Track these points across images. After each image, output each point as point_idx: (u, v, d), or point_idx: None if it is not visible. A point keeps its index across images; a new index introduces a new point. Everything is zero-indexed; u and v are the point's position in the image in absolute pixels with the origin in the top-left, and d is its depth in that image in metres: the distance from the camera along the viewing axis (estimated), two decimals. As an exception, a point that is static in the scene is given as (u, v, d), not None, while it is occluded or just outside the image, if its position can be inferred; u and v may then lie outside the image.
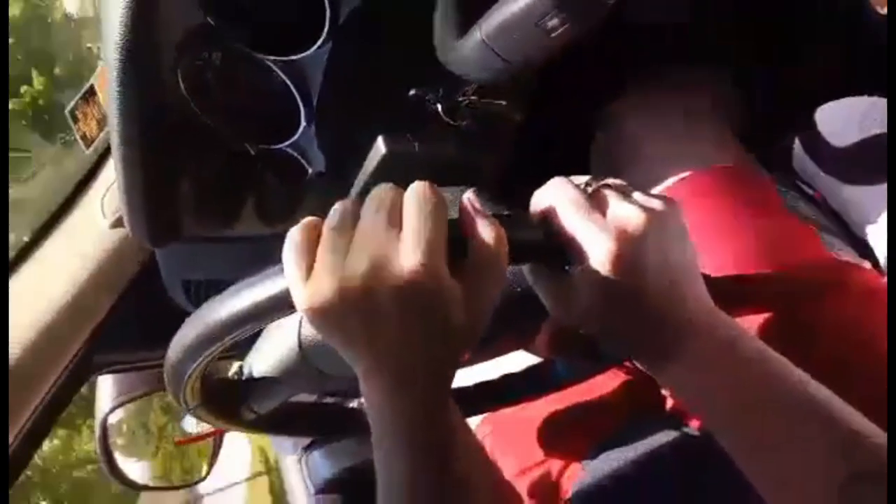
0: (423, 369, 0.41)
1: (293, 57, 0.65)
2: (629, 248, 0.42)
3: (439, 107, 0.60)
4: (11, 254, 0.79)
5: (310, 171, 0.73)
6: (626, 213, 0.43)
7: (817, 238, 0.71)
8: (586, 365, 0.67)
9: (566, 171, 0.47)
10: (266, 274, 0.43)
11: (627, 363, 0.78)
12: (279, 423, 0.65)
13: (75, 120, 0.86)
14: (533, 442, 0.74)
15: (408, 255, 0.38)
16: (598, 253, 0.42)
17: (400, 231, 0.39)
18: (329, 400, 0.71)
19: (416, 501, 0.43)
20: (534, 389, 0.68)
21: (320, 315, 0.40)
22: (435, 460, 0.43)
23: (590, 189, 0.46)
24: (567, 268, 0.45)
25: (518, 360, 0.68)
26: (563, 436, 0.73)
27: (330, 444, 0.91)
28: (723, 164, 0.76)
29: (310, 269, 0.40)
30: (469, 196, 0.42)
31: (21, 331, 0.73)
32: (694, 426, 0.64)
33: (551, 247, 0.44)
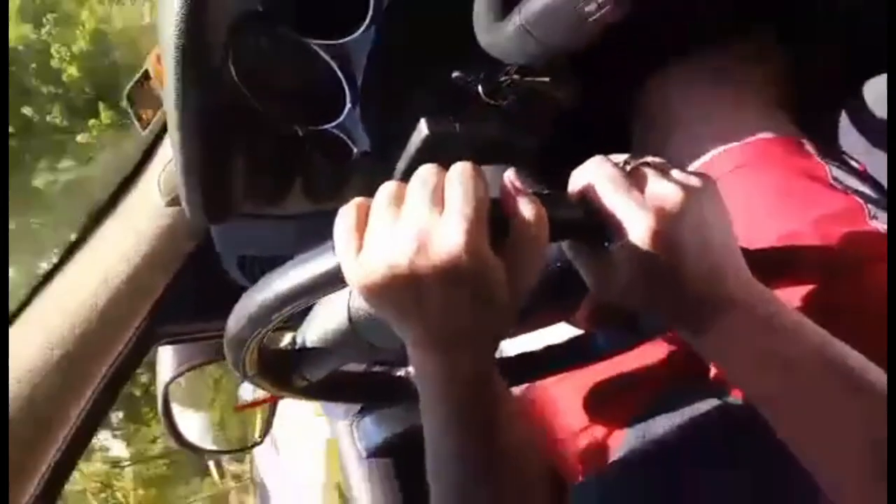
0: (468, 342, 0.43)
1: (339, 41, 0.67)
2: (668, 224, 0.43)
3: (480, 88, 0.61)
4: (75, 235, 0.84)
5: (355, 150, 0.76)
6: (664, 190, 0.44)
7: (862, 211, 0.71)
8: (626, 337, 0.68)
9: (605, 150, 0.49)
10: (319, 251, 0.46)
11: (668, 335, 0.79)
12: (329, 390, 0.68)
13: (132, 103, 0.90)
14: (577, 409, 0.76)
15: (450, 233, 0.40)
16: (638, 230, 0.43)
17: (443, 210, 0.41)
18: (377, 369, 0.75)
19: (464, 467, 0.46)
20: (575, 360, 0.70)
21: (370, 290, 0.42)
22: (481, 428, 0.45)
23: (628, 167, 0.47)
24: (606, 245, 0.46)
25: (560, 332, 0.70)
26: (607, 403, 0.75)
27: (380, 410, 0.95)
28: (767, 136, 0.75)
29: (360, 246, 0.42)
30: (510, 175, 0.44)
31: (82, 306, 0.78)
32: (737, 396, 0.65)
33: (591, 224, 0.45)
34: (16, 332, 0.76)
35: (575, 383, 0.77)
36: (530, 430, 0.52)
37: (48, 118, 8.98)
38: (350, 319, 0.56)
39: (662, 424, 0.66)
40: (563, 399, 0.77)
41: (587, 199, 0.46)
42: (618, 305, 0.55)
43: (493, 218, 0.42)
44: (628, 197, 0.44)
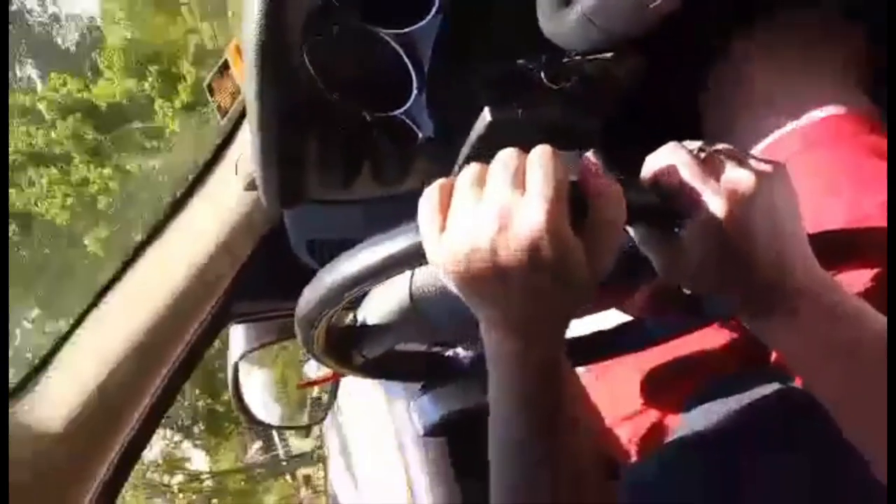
0: (544, 322, 0.45)
1: (406, 29, 0.70)
2: (741, 210, 0.44)
3: (542, 73, 0.62)
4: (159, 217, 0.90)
5: (420, 136, 0.78)
6: (738, 176, 0.45)
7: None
8: (678, 323, 0.69)
9: (668, 133, 0.49)
10: (401, 230, 0.48)
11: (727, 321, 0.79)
12: (384, 368, 0.71)
13: (212, 93, 0.95)
14: (633, 392, 0.77)
15: (531, 214, 0.41)
16: (711, 215, 0.44)
17: (524, 192, 0.42)
18: (433, 349, 0.77)
19: (529, 449, 0.48)
20: (625, 346, 0.71)
21: (451, 268, 0.44)
22: (548, 411, 0.47)
23: (702, 154, 0.47)
24: (677, 230, 0.47)
25: (608, 319, 0.71)
26: (662, 387, 0.76)
27: (437, 389, 0.98)
28: (839, 111, 0.74)
29: (443, 226, 0.44)
30: (590, 157, 0.45)
31: (162, 290, 0.84)
32: (797, 381, 0.65)
33: (664, 209, 0.47)
34: (93, 322, 0.82)
35: (630, 367, 0.77)
36: (592, 411, 0.53)
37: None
38: (411, 297, 0.59)
39: (720, 408, 0.66)
40: (619, 382, 0.78)
41: (661, 184, 0.47)
42: (677, 292, 0.56)
43: (573, 199, 0.43)
44: (703, 183, 0.45)
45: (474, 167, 0.45)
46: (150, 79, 9.23)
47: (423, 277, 0.59)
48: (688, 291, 0.66)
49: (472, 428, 0.88)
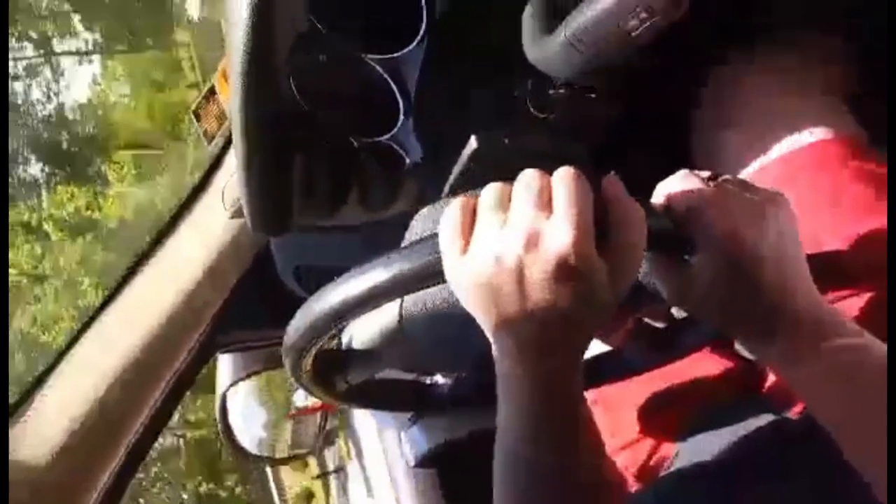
0: (563, 343, 0.45)
1: (393, 55, 0.69)
2: (752, 236, 0.46)
3: (529, 101, 0.62)
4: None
5: (408, 161, 0.78)
6: (748, 206, 0.47)
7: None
8: (654, 356, 0.69)
9: (657, 154, 0.49)
10: (414, 248, 0.47)
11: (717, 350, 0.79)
12: (369, 396, 0.70)
13: (198, 118, 0.95)
14: (630, 419, 0.76)
15: (560, 234, 0.42)
16: (723, 241, 0.46)
17: (550, 213, 0.42)
18: (413, 376, 0.76)
19: (543, 462, 0.46)
20: (603, 375, 0.70)
21: (475, 285, 0.44)
22: (563, 427, 0.46)
23: (712, 183, 0.49)
24: (687, 257, 0.48)
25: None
26: (660, 415, 0.75)
27: (428, 419, 0.96)
28: (827, 137, 0.74)
29: (465, 245, 0.44)
30: (613, 179, 0.45)
31: (149, 317, 0.82)
32: (791, 411, 0.64)
33: (678, 235, 0.47)
34: (88, 340, 0.81)
35: (626, 394, 0.76)
36: (597, 435, 0.51)
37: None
38: (401, 318, 0.58)
39: (716, 439, 0.65)
40: (615, 409, 0.77)
41: (674, 210, 0.48)
42: (654, 325, 0.56)
43: (597, 221, 0.43)
44: (715, 210, 0.46)
45: (496, 187, 0.45)
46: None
47: (413, 300, 0.58)
48: (660, 325, 0.67)
49: (463, 459, 0.87)
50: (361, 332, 0.62)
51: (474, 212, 0.45)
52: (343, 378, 0.64)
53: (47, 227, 8.92)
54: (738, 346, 0.82)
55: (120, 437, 0.80)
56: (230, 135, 0.89)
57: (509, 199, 0.44)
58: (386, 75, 0.73)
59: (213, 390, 0.95)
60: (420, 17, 0.66)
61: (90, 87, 10.53)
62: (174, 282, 0.83)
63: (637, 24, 0.47)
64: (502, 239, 0.43)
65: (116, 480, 0.83)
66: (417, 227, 0.58)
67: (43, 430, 0.76)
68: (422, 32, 0.66)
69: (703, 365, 0.77)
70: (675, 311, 0.71)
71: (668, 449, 0.71)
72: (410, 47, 0.68)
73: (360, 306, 0.48)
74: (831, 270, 0.57)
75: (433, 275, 0.46)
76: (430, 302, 0.57)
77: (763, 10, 0.77)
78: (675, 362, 0.73)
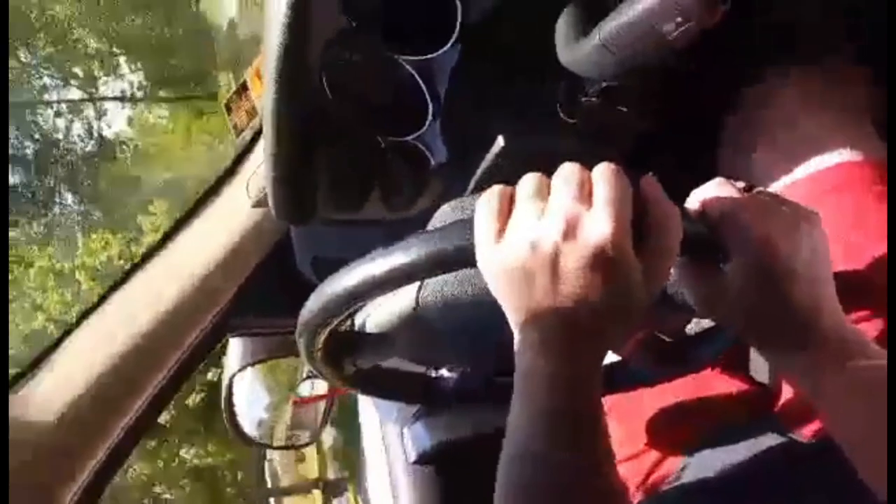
0: (589, 340, 0.44)
1: (426, 56, 0.71)
2: (788, 249, 0.46)
3: (559, 106, 0.63)
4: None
5: (433, 162, 0.79)
6: (786, 217, 0.47)
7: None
8: (661, 370, 0.69)
9: (685, 171, 0.50)
10: (448, 230, 0.47)
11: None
12: (375, 382, 0.70)
13: (229, 111, 0.97)
14: (637, 431, 0.75)
15: (600, 226, 0.42)
16: (759, 253, 0.46)
17: (589, 205, 0.43)
18: (420, 368, 0.76)
19: (554, 457, 0.44)
20: (608, 386, 0.70)
21: (508, 272, 0.44)
22: (579, 424, 0.45)
23: (747, 194, 0.49)
24: (721, 265, 0.48)
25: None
26: (667, 430, 0.74)
27: (432, 416, 0.96)
28: (856, 159, 0.75)
29: (501, 230, 0.44)
30: (651, 180, 0.46)
31: (165, 296, 0.84)
32: (805, 433, 0.64)
33: (713, 241, 0.47)
34: (102, 314, 0.82)
35: (634, 407, 0.76)
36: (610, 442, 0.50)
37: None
38: (417, 305, 0.58)
39: (723, 456, 0.65)
40: (622, 421, 0.77)
41: (709, 216, 0.48)
42: (664, 339, 0.56)
43: (634, 220, 0.43)
44: (752, 220, 0.46)
45: (535, 177, 0.45)
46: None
47: (433, 288, 0.58)
48: (669, 339, 0.67)
49: (464, 458, 0.87)
50: (376, 315, 0.63)
51: (512, 200, 0.45)
52: (353, 361, 0.64)
53: (79, 276, 8.91)
54: (751, 370, 0.83)
55: (122, 411, 0.81)
56: (258, 128, 0.93)
57: (548, 190, 0.44)
58: (417, 76, 0.74)
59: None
60: (454, 19, 0.67)
61: (132, 127, 10.66)
62: (190, 264, 0.84)
63: (672, 28, 0.48)
64: (540, 226, 0.43)
65: (112, 455, 0.83)
66: (439, 221, 0.59)
67: (49, 396, 0.77)
68: (455, 35, 0.68)
69: (715, 385, 0.77)
70: (690, 326, 0.71)
71: (672, 463, 0.70)
72: (443, 49, 0.69)
73: (389, 283, 0.49)
74: (854, 291, 0.57)
75: (465, 258, 0.46)
76: (449, 291, 0.58)
77: (795, 34, 0.78)
78: (681, 377, 0.73)
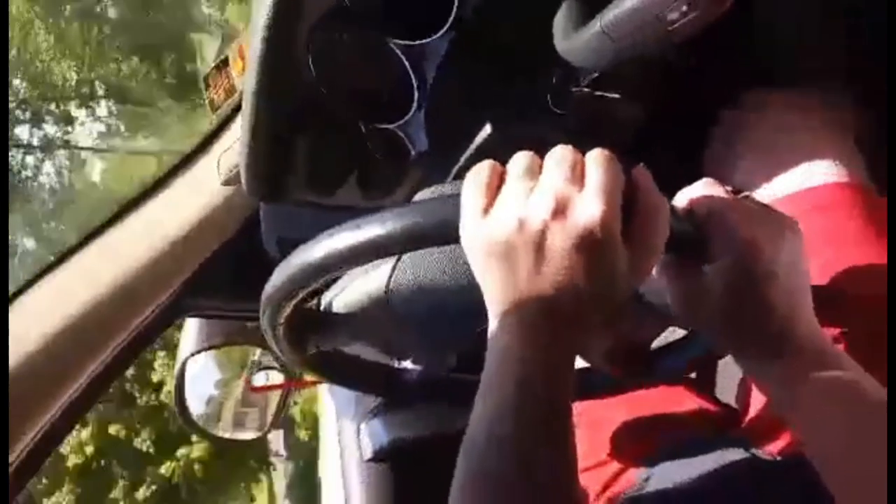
0: (567, 326, 0.43)
1: (419, 42, 0.70)
2: (771, 255, 0.46)
3: (549, 97, 0.62)
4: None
5: (413, 152, 0.77)
6: (770, 224, 0.47)
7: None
8: (629, 378, 0.68)
9: (670, 170, 0.50)
10: (430, 205, 0.46)
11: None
12: (333, 366, 0.68)
13: (207, 86, 0.94)
14: (600, 441, 0.74)
15: (590, 205, 0.41)
16: (743, 256, 0.45)
17: (581, 187, 0.42)
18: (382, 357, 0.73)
19: (521, 440, 0.42)
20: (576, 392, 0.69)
21: (492, 246, 0.42)
22: (549, 411, 0.43)
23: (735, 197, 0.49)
24: (703, 266, 0.47)
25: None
26: (630, 441, 0.73)
27: (390, 413, 0.93)
28: (842, 180, 0.76)
29: (488, 205, 0.43)
30: (643, 170, 0.45)
31: (125, 260, 0.80)
32: (771, 451, 0.63)
33: (698, 240, 0.47)
34: (56, 275, 0.78)
35: (600, 417, 0.75)
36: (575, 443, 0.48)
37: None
38: (387, 289, 0.56)
39: (686, 468, 0.64)
40: (584, 432, 0.75)
41: (695, 216, 0.47)
42: (633, 346, 0.58)
43: (623, 207, 0.42)
44: (738, 222, 0.46)
45: (527, 155, 0.45)
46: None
47: (407, 270, 0.56)
48: (639, 348, 0.66)
49: (420, 457, 0.84)
50: (345, 295, 0.60)
51: (502, 177, 0.44)
52: (316, 341, 0.62)
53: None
54: (717, 392, 0.82)
55: (64, 385, 0.76)
56: (235, 106, 0.90)
57: (540, 170, 0.44)
58: (406, 63, 0.73)
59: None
60: (450, 5, 0.66)
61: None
62: (150, 236, 0.81)
63: (677, 17, 0.48)
64: (529, 203, 0.42)
65: (45, 437, 0.78)
66: None
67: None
68: (450, 21, 0.67)
69: (682, 401, 0.77)
70: (657, 341, 0.71)
71: (632, 475, 0.69)
72: (437, 35, 0.68)
73: (362, 256, 0.47)
74: (828, 306, 0.57)
75: (448, 232, 0.44)
76: (424, 275, 0.56)
77: (798, 46, 0.79)
78: (649, 388, 0.72)
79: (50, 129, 9.75)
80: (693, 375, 0.81)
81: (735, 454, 0.63)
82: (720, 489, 0.60)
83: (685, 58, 0.57)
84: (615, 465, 0.71)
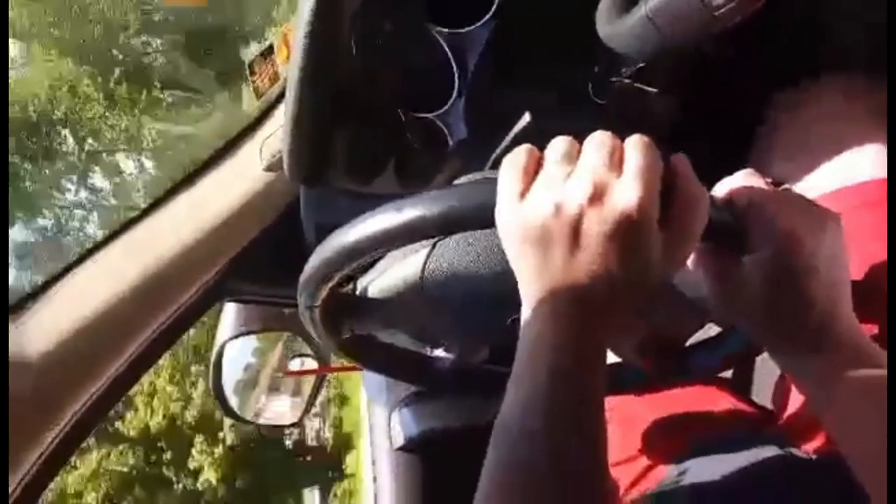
0: (601, 314, 0.43)
1: (462, 30, 0.70)
2: (812, 248, 0.45)
3: (590, 86, 0.62)
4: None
5: (451, 141, 0.78)
6: (812, 216, 0.46)
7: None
8: (663, 375, 0.68)
9: (718, 157, 0.49)
10: (467, 189, 0.47)
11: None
12: (366, 350, 0.69)
13: (252, 73, 0.96)
14: (632, 436, 0.74)
15: (628, 191, 0.41)
16: (784, 247, 0.45)
17: (619, 173, 0.42)
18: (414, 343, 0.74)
19: (550, 433, 0.42)
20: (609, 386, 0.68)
21: (527, 231, 0.42)
22: (580, 410, 0.42)
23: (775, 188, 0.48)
24: (743, 257, 0.46)
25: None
26: (662, 438, 0.73)
27: (421, 403, 0.94)
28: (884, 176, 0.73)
29: (525, 189, 0.43)
30: (682, 158, 0.45)
31: (170, 240, 0.82)
32: (807, 450, 0.62)
33: (738, 231, 0.46)
34: (105, 254, 0.80)
35: (633, 413, 0.75)
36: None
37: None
38: (422, 275, 0.57)
39: (719, 465, 0.63)
40: (615, 427, 0.75)
41: (735, 206, 0.47)
42: (668, 341, 0.56)
43: (661, 196, 0.42)
44: (779, 214, 0.45)
45: (565, 140, 0.44)
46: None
47: (439, 259, 0.57)
48: (673, 345, 0.65)
49: (450, 448, 0.84)
50: (381, 281, 0.61)
51: (539, 161, 0.44)
52: (350, 325, 0.63)
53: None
54: (753, 394, 0.81)
55: (118, 352, 0.78)
56: (279, 93, 0.91)
57: (578, 155, 0.43)
58: (448, 51, 0.73)
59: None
60: (493, -5, 0.66)
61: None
62: (195, 218, 0.83)
63: (722, 2, 0.47)
64: (567, 188, 0.42)
65: (91, 409, 0.81)
66: None
67: (46, 330, 0.75)
68: (493, 9, 0.67)
69: (716, 401, 0.76)
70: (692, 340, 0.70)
71: (663, 471, 0.68)
72: (480, 23, 0.69)
73: (398, 238, 0.48)
74: (868, 301, 0.56)
75: (484, 215, 0.44)
76: (459, 262, 0.56)
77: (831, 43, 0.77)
78: (684, 386, 0.71)
79: (101, 181, 9.93)
80: (729, 375, 0.80)
81: (770, 452, 0.62)
82: (755, 486, 0.59)
83: (724, 48, 0.56)
84: (645, 461, 0.70)
